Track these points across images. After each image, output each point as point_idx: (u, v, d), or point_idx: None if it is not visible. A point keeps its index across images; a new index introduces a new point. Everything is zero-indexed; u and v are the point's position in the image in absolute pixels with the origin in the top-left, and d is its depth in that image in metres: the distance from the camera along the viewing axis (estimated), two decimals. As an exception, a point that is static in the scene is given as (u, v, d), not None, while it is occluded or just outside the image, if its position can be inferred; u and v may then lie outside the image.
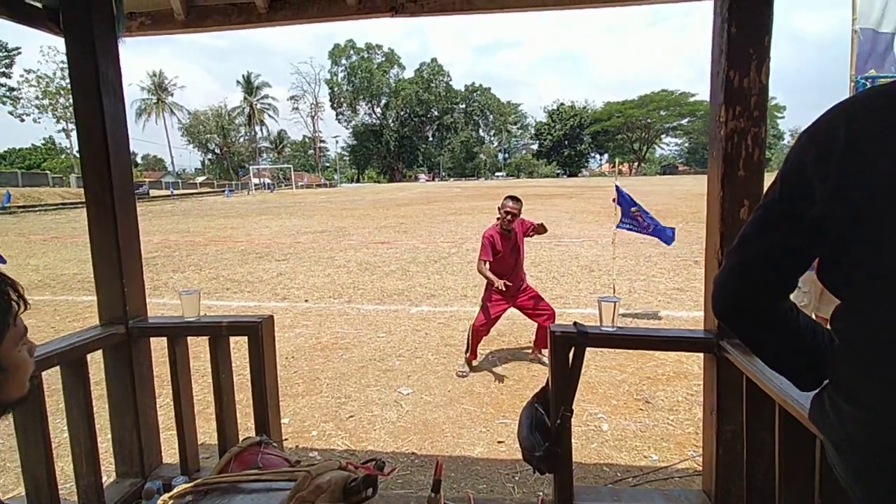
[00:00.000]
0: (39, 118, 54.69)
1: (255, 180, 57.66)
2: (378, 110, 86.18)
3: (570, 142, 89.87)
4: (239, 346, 2.06)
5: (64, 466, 1.93)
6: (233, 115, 79.03)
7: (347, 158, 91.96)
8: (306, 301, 6.77)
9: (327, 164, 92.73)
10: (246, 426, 2.09)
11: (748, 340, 0.94)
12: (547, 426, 1.80)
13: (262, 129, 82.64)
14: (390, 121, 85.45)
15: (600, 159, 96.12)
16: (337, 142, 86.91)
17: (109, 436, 2.07)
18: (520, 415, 1.88)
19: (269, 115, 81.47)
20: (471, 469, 2.84)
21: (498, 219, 4.40)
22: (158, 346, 2.10)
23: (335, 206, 25.74)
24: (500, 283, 4.19)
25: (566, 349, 1.74)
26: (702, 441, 1.88)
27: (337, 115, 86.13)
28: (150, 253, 10.93)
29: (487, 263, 4.35)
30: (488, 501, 1.91)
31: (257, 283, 7.91)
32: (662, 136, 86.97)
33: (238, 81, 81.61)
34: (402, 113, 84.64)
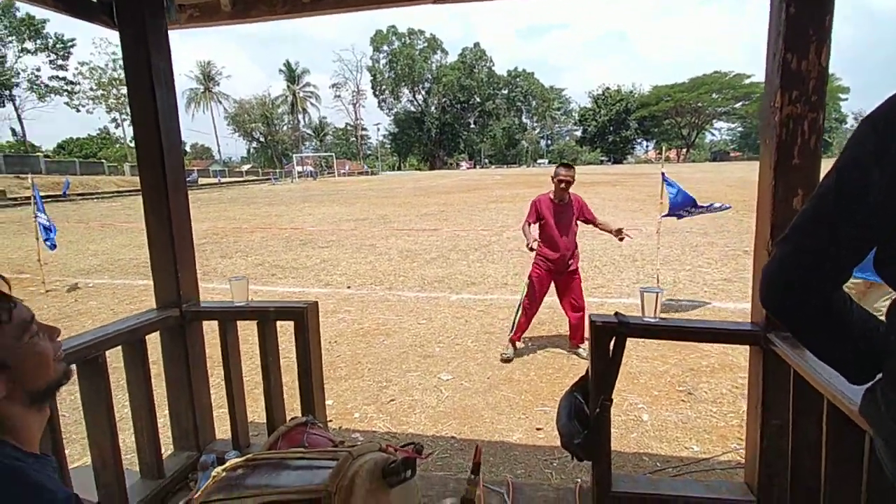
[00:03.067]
0: (93, 109, 57.61)
1: (298, 168, 59.05)
2: (420, 97, 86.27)
3: (616, 128, 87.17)
4: (284, 330, 2.15)
5: (126, 438, 2.07)
6: (276, 103, 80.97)
7: (389, 146, 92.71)
8: (348, 287, 6.93)
9: (369, 152, 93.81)
10: (292, 406, 2.18)
11: (798, 332, 0.91)
12: (586, 414, 1.79)
13: (304, 118, 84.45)
14: (432, 108, 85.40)
15: (646, 146, 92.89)
16: (378, 129, 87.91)
17: (167, 411, 2.20)
18: (559, 403, 1.88)
19: (312, 104, 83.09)
20: (509, 454, 2.86)
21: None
22: (210, 328, 2.21)
23: (376, 193, 26.07)
24: (531, 241, 4.25)
25: (607, 339, 1.72)
26: (745, 434, 1.83)
27: (379, 102, 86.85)
28: (200, 239, 11.41)
29: (529, 225, 4.37)
30: (527, 486, 1.93)
31: (301, 270, 8.15)
32: (714, 120, 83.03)
33: (281, 70, 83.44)
34: (443, 100, 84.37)
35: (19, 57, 46.89)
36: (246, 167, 70.73)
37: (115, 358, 1.97)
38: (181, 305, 2.10)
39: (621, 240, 4.40)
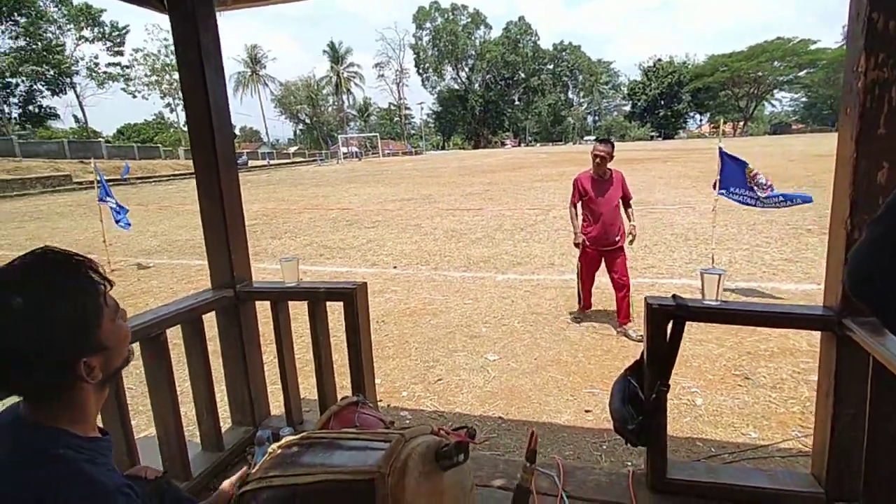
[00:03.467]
0: (148, 95, 59.95)
1: (343, 149, 59.84)
2: (463, 74, 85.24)
3: (667, 101, 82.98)
4: (333, 310, 2.18)
5: (187, 412, 2.18)
6: (321, 84, 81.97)
7: (433, 125, 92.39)
8: (395, 267, 7.01)
9: (413, 132, 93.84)
10: (342, 385, 2.23)
11: (890, 320, 0.82)
12: (640, 399, 1.73)
13: (348, 98, 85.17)
14: (476, 85, 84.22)
15: (700, 119, 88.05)
16: (422, 108, 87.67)
17: (224, 387, 2.30)
18: (612, 387, 1.82)
19: (356, 84, 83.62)
20: (557, 436, 2.84)
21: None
22: (262, 307, 2.27)
23: (421, 173, 26.12)
24: (578, 237, 4.46)
25: (663, 322, 1.65)
26: (813, 423, 1.72)
27: (422, 80, 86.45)
28: (251, 221, 11.79)
29: (575, 207, 4.50)
30: (578, 469, 1.89)
31: (348, 250, 8.30)
32: (774, 90, 77.50)
33: (324, 50, 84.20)
34: (487, 76, 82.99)
35: (77, 45, 49.04)
36: (293, 149, 72.38)
37: (174, 335, 2.06)
38: (235, 286, 2.16)
39: (630, 242, 4.48)
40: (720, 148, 5.26)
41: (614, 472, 1.87)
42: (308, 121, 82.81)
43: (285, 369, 2.22)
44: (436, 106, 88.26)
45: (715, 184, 5.36)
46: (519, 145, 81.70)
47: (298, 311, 2.21)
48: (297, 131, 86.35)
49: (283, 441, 1.43)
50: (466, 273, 6.51)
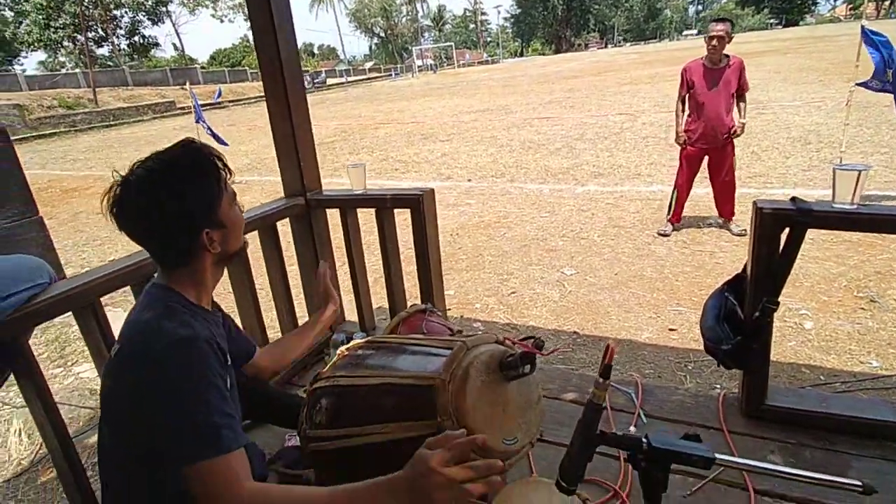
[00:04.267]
0: (234, 18, 60.67)
1: (418, 62, 58.06)
2: (544, -32, 77.37)
3: (791, -21, 70.43)
4: (405, 221, 2.11)
5: (269, 314, 2.27)
6: (395, -6, 78.51)
7: (510, 30, 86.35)
8: (469, 180, 6.84)
9: (489, 39, 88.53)
10: (412, 294, 2.20)
11: None
12: (738, 318, 1.53)
13: (422, 7, 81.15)
14: (558, -20, 76.46)
15: (834, 0, 74.33)
16: (499, 13, 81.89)
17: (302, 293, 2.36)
18: (705, 303, 1.62)
19: (430, -10, 79.00)
20: (636, 353, 2.70)
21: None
22: (333, 219, 2.24)
23: (497, 83, 24.82)
24: (680, 135, 4.09)
25: (777, 230, 1.38)
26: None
27: (500, -22, 79.77)
28: (329, 138, 11.95)
29: (683, 102, 4.11)
30: (658, 389, 1.76)
31: (423, 164, 8.19)
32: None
33: (398, -45, 79.50)
34: (571, -31, 74.80)
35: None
36: (369, 65, 71.41)
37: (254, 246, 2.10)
38: (305, 194, 2.15)
39: (734, 134, 3.96)
40: (863, 27, 4.32)
41: (701, 395, 1.71)
42: (382, 34, 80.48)
43: (356, 276, 2.22)
44: (513, 8, 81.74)
45: (858, 62, 4.49)
46: (605, 46, 74.55)
47: (370, 223, 2.15)
48: (373, 46, 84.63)
49: (351, 344, 1.44)
50: (543, 186, 6.20)
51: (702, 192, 4.67)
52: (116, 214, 0.97)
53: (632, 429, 1.57)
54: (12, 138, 3.04)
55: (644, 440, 0.79)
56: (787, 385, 2.28)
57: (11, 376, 1.28)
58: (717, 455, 0.78)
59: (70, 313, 1.36)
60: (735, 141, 4.01)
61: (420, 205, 1.95)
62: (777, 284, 1.40)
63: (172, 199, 0.96)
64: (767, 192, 5.00)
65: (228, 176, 1.06)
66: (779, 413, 1.51)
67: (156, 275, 1.10)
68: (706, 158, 4.11)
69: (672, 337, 2.82)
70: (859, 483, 0.77)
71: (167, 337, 0.93)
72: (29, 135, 16.71)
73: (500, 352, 1.17)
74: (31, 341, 1.30)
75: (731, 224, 4.13)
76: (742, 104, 3.96)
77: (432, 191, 2.03)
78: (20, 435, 2.51)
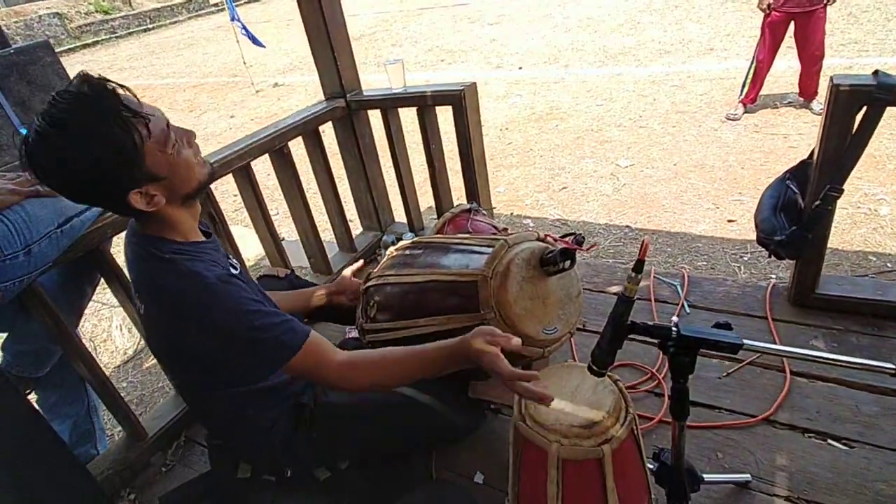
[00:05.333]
0: None
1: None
2: None
3: None
4: (444, 115, 2.07)
5: (323, 218, 2.36)
6: None
7: None
8: (520, 68, 6.44)
9: None
10: (460, 192, 2.21)
11: None
12: (798, 207, 1.46)
13: None
14: None
15: None
16: None
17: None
18: (763, 193, 1.55)
19: None
20: (690, 245, 2.65)
21: None
22: (375, 121, 2.22)
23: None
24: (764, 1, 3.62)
25: (852, 109, 1.26)
26: None
27: None
28: (369, 28, 11.32)
29: None
30: (705, 280, 1.75)
31: (471, 52, 7.72)
32: None
33: None
34: None
35: None
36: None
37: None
38: (346, 95, 2.12)
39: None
40: None
41: (749, 285, 1.69)
42: None
43: (402, 177, 2.25)
44: None
45: None
46: None
47: (416, 123, 2.12)
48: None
49: (399, 244, 1.51)
50: (600, 70, 5.75)
51: (782, 66, 4.19)
52: (38, 178, 0.87)
53: (674, 318, 1.61)
54: (57, 50, 3.12)
55: (674, 329, 0.82)
56: (849, 273, 2.20)
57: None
58: (747, 341, 0.80)
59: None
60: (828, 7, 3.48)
61: (462, 101, 1.89)
62: (845, 169, 1.30)
63: (75, 166, 0.83)
64: (861, 61, 4.41)
65: (147, 119, 0.86)
66: (829, 301, 1.48)
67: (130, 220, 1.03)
68: (792, 25, 3.62)
69: (730, 228, 2.73)
70: (892, 366, 0.78)
71: (188, 295, 0.91)
72: (73, 45, 16.91)
73: (541, 248, 1.20)
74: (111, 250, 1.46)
75: (812, 103, 3.74)
76: None
77: (474, 85, 1.95)
78: (121, 329, 2.90)
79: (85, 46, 17.27)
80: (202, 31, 18.01)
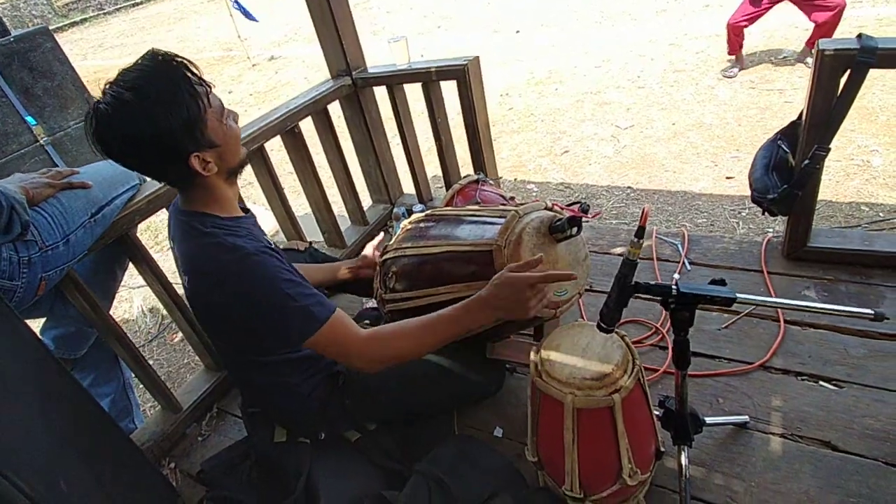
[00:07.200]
0: None
1: None
2: None
3: None
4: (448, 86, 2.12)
5: (334, 193, 2.43)
6: None
7: None
8: (518, 31, 6.36)
9: None
10: (465, 162, 2.28)
11: None
12: (789, 167, 1.54)
13: None
14: None
15: None
16: None
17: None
18: (756, 153, 1.62)
19: None
20: (691, 204, 2.73)
21: None
22: (381, 98, 2.27)
23: None
24: None
25: (837, 72, 1.32)
26: None
27: None
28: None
29: None
30: (705, 238, 1.85)
31: (467, 18, 7.60)
32: None
33: None
34: None
35: None
36: None
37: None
38: (351, 73, 2.17)
39: None
40: None
41: (746, 241, 1.79)
42: None
43: (409, 150, 2.31)
44: None
45: None
46: None
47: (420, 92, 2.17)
48: None
49: (413, 217, 1.59)
50: (599, 31, 5.69)
51: (776, 21, 4.16)
52: (100, 147, 0.95)
53: (675, 276, 1.71)
54: (46, 29, 3.06)
55: (674, 287, 0.92)
56: (840, 225, 2.30)
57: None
58: (741, 295, 0.90)
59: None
60: None
61: (465, 76, 1.95)
62: (830, 130, 1.38)
63: (147, 128, 0.91)
64: (854, 13, 4.36)
65: (209, 89, 0.98)
66: (820, 253, 1.58)
67: (177, 197, 1.13)
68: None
69: (729, 185, 2.80)
70: (871, 311, 0.88)
71: (229, 266, 1.00)
72: (62, 24, 16.54)
73: (549, 217, 1.28)
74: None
75: (808, 57, 3.72)
76: None
77: (477, 59, 2.00)
78: (143, 310, 3.03)
79: (73, 24, 16.86)
80: (192, 4, 17.52)
